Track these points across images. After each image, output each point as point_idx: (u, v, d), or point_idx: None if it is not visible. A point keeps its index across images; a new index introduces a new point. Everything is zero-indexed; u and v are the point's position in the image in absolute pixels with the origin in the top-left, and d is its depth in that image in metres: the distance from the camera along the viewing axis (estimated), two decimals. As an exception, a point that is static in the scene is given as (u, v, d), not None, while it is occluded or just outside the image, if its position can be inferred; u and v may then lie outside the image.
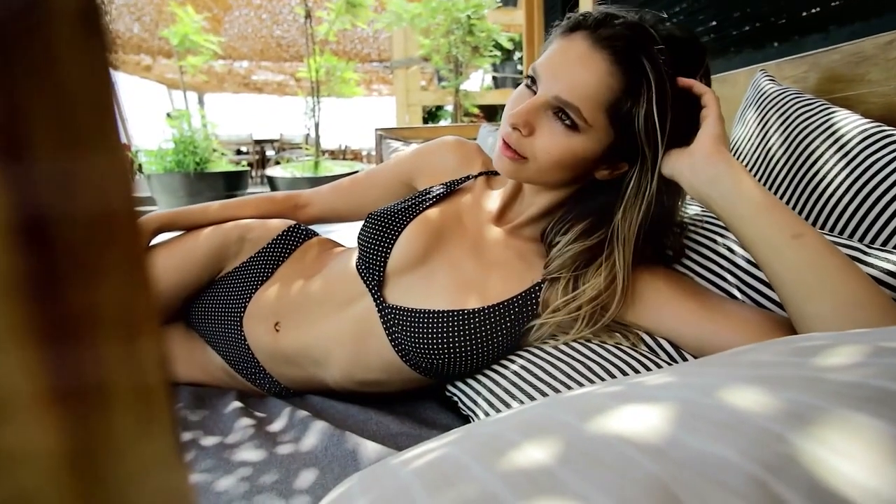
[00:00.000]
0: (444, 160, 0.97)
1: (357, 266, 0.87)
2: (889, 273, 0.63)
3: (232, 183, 4.46)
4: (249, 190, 5.10)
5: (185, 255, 1.02)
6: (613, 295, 0.73)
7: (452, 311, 0.76)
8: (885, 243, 0.71)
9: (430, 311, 0.77)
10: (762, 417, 0.25)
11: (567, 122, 0.69)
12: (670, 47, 0.67)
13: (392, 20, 4.25)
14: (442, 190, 0.90)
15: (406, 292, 0.82)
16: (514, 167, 0.74)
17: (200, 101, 19.62)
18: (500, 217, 0.87)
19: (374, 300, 0.83)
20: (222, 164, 4.53)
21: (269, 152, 10.99)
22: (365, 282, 0.85)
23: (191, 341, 1.06)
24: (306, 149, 5.28)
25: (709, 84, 0.73)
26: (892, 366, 0.27)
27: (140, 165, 4.46)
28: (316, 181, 4.47)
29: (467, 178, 0.93)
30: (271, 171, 4.83)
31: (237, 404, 0.91)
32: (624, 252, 0.72)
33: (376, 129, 2.89)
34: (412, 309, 0.79)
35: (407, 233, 0.84)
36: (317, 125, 5.01)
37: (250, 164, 8.78)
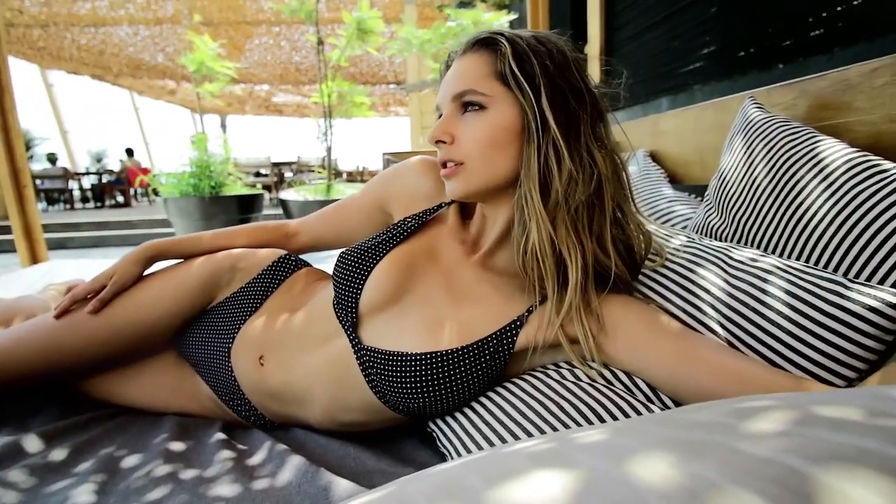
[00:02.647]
0: (417, 184, 0.95)
1: (333, 305, 0.86)
2: (871, 309, 0.61)
3: (246, 206, 4.52)
4: (265, 212, 5.16)
5: (178, 284, 1.02)
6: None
7: (426, 354, 0.75)
8: (869, 278, 0.68)
9: (404, 353, 0.76)
10: (657, 496, 0.24)
11: (474, 107, 0.75)
12: (522, 32, 0.77)
13: (402, 46, 4.31)
14: (414, 223, 0.89)
15: (380, 332, 0.81)
16: (458, 180, 0.77)
17: (223, 124, 20.08)
18: (474, 245, 0.86)
19: (350, 340, 0.83)
20: (237, 188, 4.60)
21: (288, 174, 11.16)
22: (340, 321, 0.84)
23: (181, 370, 1.06)
24: (318, 171, 5.32)
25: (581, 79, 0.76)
26: (808, 439, 0.26)
27: (155, 190, 4.55)
28: (327, 204, 4.49)
29: (440, 206, 0.92)
30: (284, 194, 4.88)
31: (220, 436, 0.91)
32: (536, 210, 0.72)
33: (384, 154, 2.91)
34: (386, 351, 0.78)
35: (377, 272, 0.83)
36: (329, 149, 5.07)
37: (267, 187, 8.91)
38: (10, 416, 0.97)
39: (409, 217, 0.91)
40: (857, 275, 0.70)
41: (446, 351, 0.75)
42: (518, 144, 0.74)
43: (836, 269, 0.73)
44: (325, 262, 1.20)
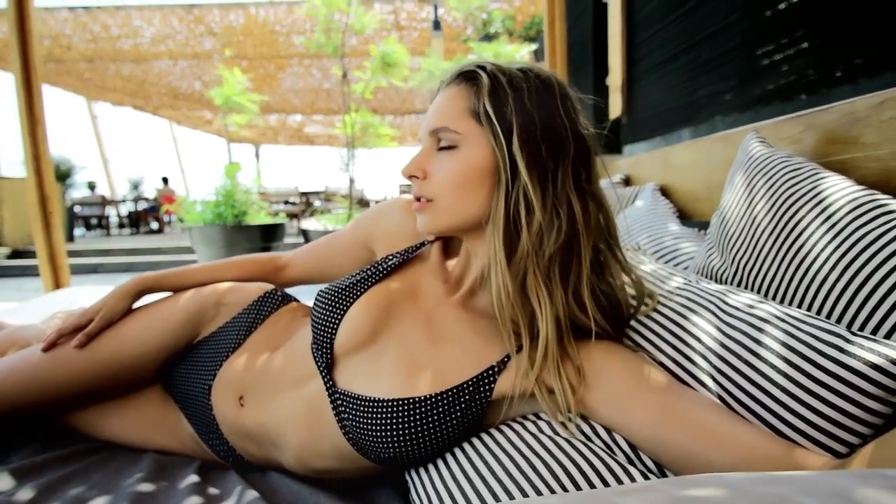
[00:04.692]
0: (401, 224, 0.93)
1: (311, 345, 0.83)
2: (873, 366, 0.54)
3: (268, 235, 4.57)
4: (288, 241, 5.22)
5: (164, 319, 1.01)
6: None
7: (400, 400, 0.71)
8: (874, 331, 0.62)
9: (376, 399, 0.72)
10: None
11: (446, 145, 0.72)
12: (512, 65, 0.73)
13: (425, 78, 4.37)
14: (395, 261, 0.86)
15: (354, 375, 0.78)
16: (428, 216, 0.74)
17: (256, 154, 20.64)
18: (456, 283, 0.82)
19: (324, 382, 0.79)
20: (261, 217, 4.67)
21: (318, 203, 11.35)
22: (316, 362, 0.81)
23: (165, 406, 1.04)
24: (339, 201, 5.38)
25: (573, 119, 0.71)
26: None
27: (181, 218, 4.65)
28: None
29: (422, 244, 0.89)
30: (305, 223, 4.93)
31: (194, 478, 0.88)
32: (498, 260, 0.69)
33: (400, 185, 2.92)
34: (359, 396, 0.74)
35: (353, 311, 0.80)
36: (351, 179, 5.13)
37: (295, 216, 9.06)
38: (-7, 448, 0.96)
39: (390, 255, 0.88)
40: (862, 326, 0.63)
41: (420, 398, 0.70)
42: (490, 185, 0.70)
43: (838, 319, 0.67)
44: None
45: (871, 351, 0.56)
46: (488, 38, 6.33)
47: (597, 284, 0.72)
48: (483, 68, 0.72)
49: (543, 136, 0.68)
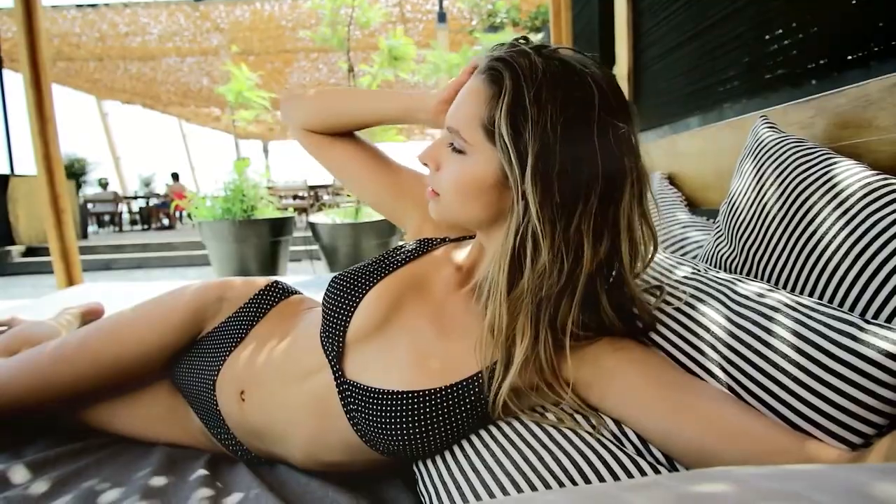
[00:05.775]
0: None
1: (320, 334, 0.83)
2: (888, 355, 0.53)
3: (277, 229, 4.59)
4: (296, 234, 5.24)
5: (165, 318, 1.00)
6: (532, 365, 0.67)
7: (408, 393, 0.70)
8: (889, 319, 0.60)
9: (385, 391, 0.72)
10: None
11: (456, 148, 0.70)
12: (553, 69, 0.63)
13: (431, 70, 4.35)
14: (409, 255, 0.85)
15: (364, 365, 0.77)
16: (435, 207, 0.76)
17: (265, 149, 20.70)
18: (468, 273, 0.82)
19: (333, 372, 0.79)
20: (269, 211, 4.68)
21: (327, 197, 11.38)
22: (325, 350, 0.80)
23: (174, 400, 1.05)
24: (348, 195, 5.40)
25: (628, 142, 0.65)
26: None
27: (189, 214, 4.69)
28: (356, 227, 4.54)
29: (444, 240, 0.88)
30: (314, 217, 4.94)
31: (203, 472, 0.88)
32: (499, 291, 0.66)
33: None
34: (368, 388, 0.74)
35: (368, 298, 0.79)
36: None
37: (304, 210, 9.12)
38: (7, 443, 0.98)
39: (405, 245, 0.88)
40: (876, 314, 0.62)
41: (429, 390, 0.70)
42: (492, 194, 0.69)
43: (851, 308, 0.65)
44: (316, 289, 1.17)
45: (885, 339, 0.54)
46: (494, 28, 6.30)
47: (601, 301, 0.69)
48: (511, 70, 0.63)
49: (563, 171, 0.61)
